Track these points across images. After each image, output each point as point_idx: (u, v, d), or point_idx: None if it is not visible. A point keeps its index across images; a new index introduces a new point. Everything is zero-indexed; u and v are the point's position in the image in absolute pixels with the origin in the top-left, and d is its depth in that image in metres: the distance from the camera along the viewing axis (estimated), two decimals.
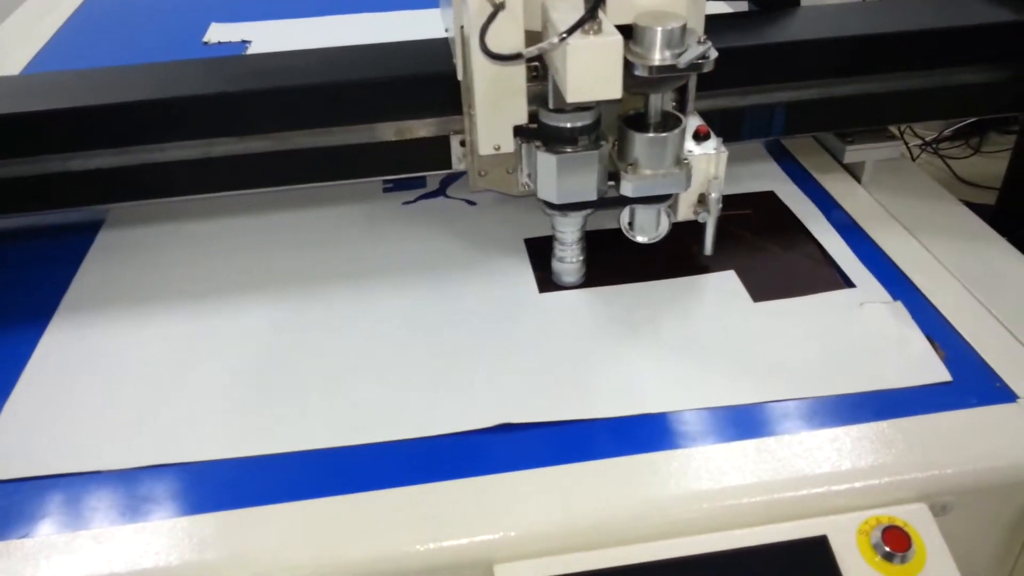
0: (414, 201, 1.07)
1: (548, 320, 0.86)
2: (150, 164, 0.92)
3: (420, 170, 0.99)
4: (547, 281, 0.91)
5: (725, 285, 0.90)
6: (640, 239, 0.88)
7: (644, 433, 0.73)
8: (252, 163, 0.93)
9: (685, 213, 0.88)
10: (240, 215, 1.05)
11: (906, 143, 2.01)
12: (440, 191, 1.09)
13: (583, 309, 0.88)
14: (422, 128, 0.93)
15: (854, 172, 1.08)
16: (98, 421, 0.77)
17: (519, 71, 0.78)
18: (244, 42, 1.41)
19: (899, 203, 1.02)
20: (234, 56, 1.19)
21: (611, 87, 0.69)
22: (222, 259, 0.98)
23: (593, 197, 0.82)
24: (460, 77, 0.85)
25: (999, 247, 0.95)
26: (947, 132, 1.97)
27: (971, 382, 0.76)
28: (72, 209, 1.01)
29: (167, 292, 0.93)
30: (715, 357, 0.81)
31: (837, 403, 0.75)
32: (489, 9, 0.72)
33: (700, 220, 0.88)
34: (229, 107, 0.90)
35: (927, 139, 1.98)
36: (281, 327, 0.87)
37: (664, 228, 0.88)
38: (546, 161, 0.80)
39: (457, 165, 0.95)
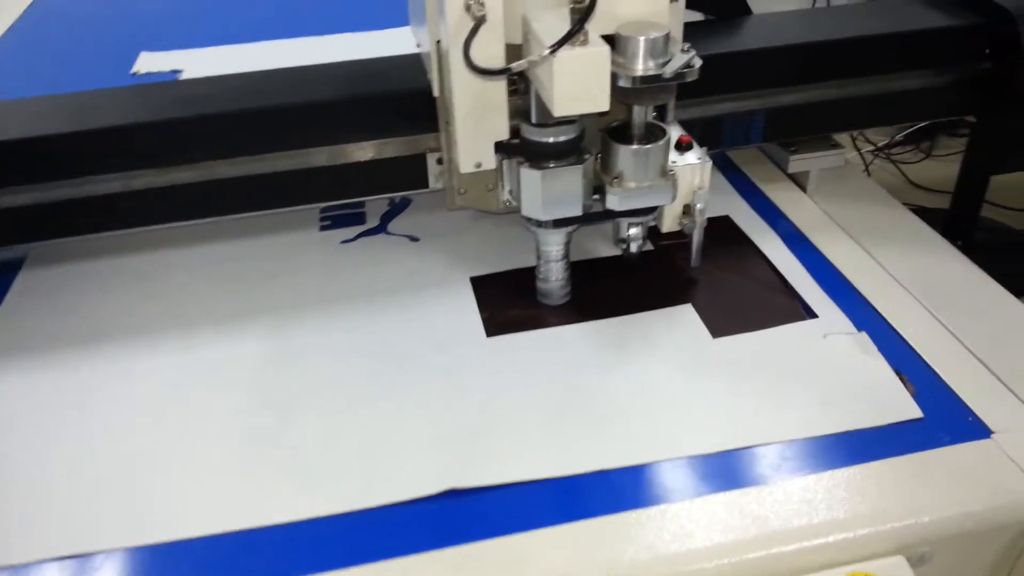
0: (353, 239, 1.06)
1: (495, 368, 0.84)
2: (69, 200, 0.92)
3: (393, 191, 1.01)
4: (493, 323, 0.90)
5: (683, 321, 0.89)
6: (634, 247, 0.91)
7: (596, 493, 0.71)
8: (184, 193, 0.94)
9: (670, 225, 0.91)
10: (165, 249, 1.05)
11: (858, 149, 2.11)
12: (381, 227, 1.08)
13: (531, 355, 0.86)
14: (394, 147, 0.95)
15: (799, 181, 1.12)
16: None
17: (500, 86, 0.80)
18: (175, 71, 1.41)
19: (848, 214, 1.05)
20: (158, 83, 1.19)
21: (599, 99, 0.72)
22: (146, 299, 0.97)
23: (579, 212, 0.84)
24: (436, 93, 0.87)
25: (953, 258, 0.98)
26: (898, 137, 2.07)
27: (942, 417, 0.76)
28: None
29: (90, 337, 0.92)
30: (673, 403, 0.79)
31: (805, 448, 0.74)
32: (469, 22, 0.74)
33: (686, 231, 0.91)
34: (157, 137, 0.92)
35: (879, 145, 2.08)
36: (199, 385, 0.85)
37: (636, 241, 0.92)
38: (530, 177, 0.82)
39: (434, 184, 0.96)
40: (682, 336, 0.88)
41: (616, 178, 0.83)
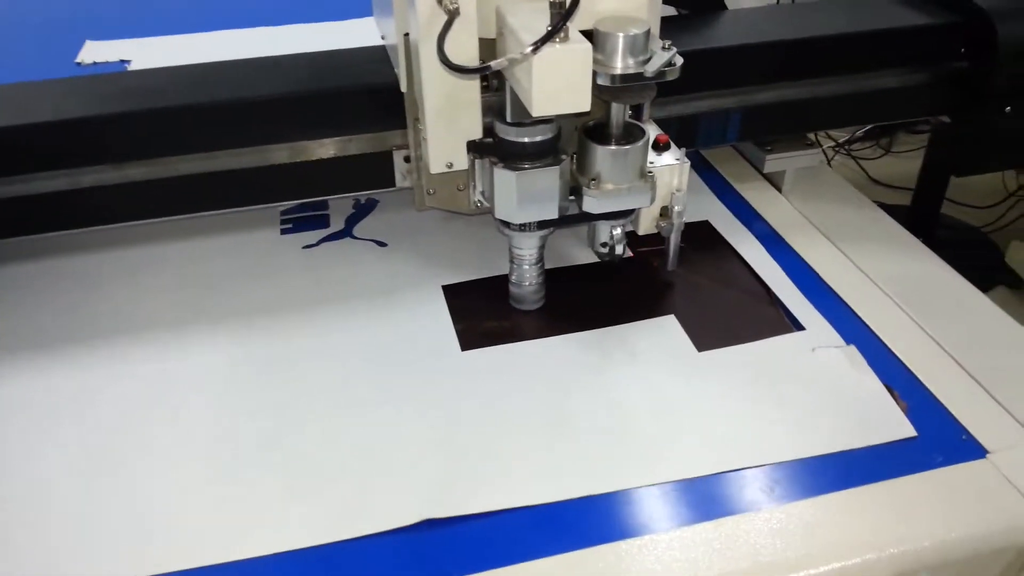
0: (316, 244, 1.01)
1: (471, 386, 0.80)
2: (12, 199, 0.87)
3: (358, 190, 0.97)
4: (468, 336, 0.86)
5: (666, 333, 0.86)
6: (602, 252, 0.88)
7: (579, 522, 0.67)
8: (135, 192, 0.89)
9: (647, 227, 0.88)
10: (110, 250, 1.00)
11: (819, 145, 2.11)
12: (346, 231, 1.03)
13: (509, 371, 0.82)
14: (358, 144, 0.91)
15: (774, 181, 1.11)
16: None
17: (473, 83, 0.76)
18: (123, 61, 1.35)
19: (824, 215, 1.04)
20: (107, 74, 1.14)
21: (580, 100, 0.69)
22: (95, 301, 0.92)
23: (555, 215, 0.81)
24: (404, 89, 0.83)
25: (934, 264, 0.96)
26: (859, 133, 2.08)
27: (936, 436, 0.74)
28: None
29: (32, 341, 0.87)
30: (658, 425, 0.75)
31: (797, 470, 0.71)
32: (440, 15, 0.70)
33: (663, 234, 0.88)
34: (106, 131, 0.87)
35: (839, 141, 2.08)
36: (153, 395, 0.80)
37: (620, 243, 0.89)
38: (504, 178, 0.79)
39: (401, 183, 0.93)
40: (666, 350, 0.84)
41: (593, 179, 0.80)
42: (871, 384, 0.79)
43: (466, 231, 1.01)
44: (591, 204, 0.81)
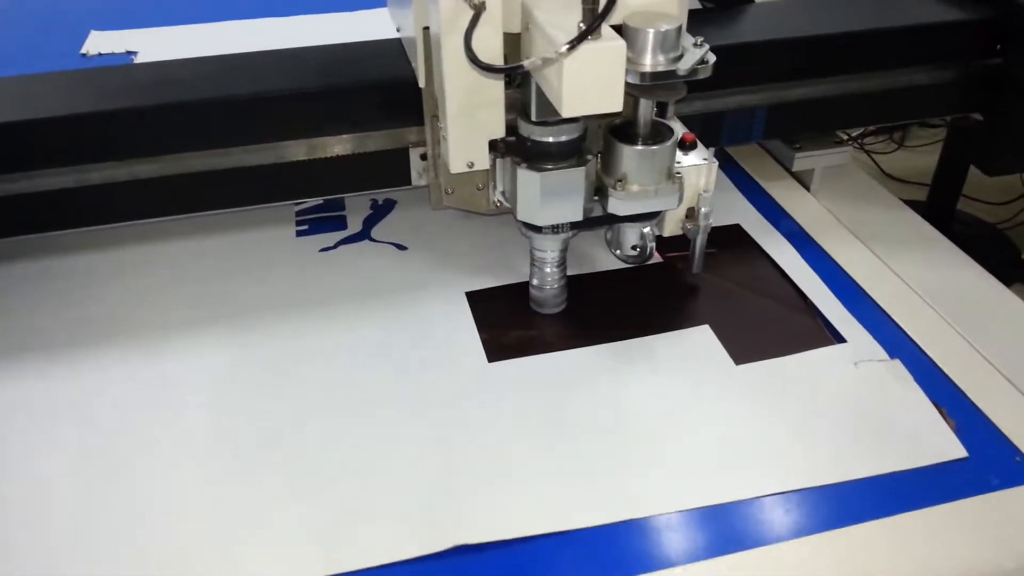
0: (334, 247, 0.97)
1: (500, 400, 0.76)
2: (18, 196, 0.84)
3: (373, 188, 0.94)
4: (495, 347, 0.82)
5: (702, 345, 0.82)
6: (631, 255, 0.85)
7: (621, 548, 0.64)
8: (145, 189, 0.86)
9: (673, 229, 0.86)
10: (114, 248, 0.97)
11: (848, 143, 2.08)
12: (364, 234, 0.99)
13: (539, 384, 0.78)
14: (374, 141, 0.88)
15: (802, 179, 1.08)
16: None
17: (498, 81, 0.73)
18: (130, 53, 1.31)
19: (854, 215, 1.01)
20: (114, 67, 1.10)
21: (612, 99, 0.65)
22: (93, 302, 0.89)
23: (579, 217, 0.78)
24: (422, 84, 0.80)
25: (972, 269, 0.93)
26: (871, 127, 2.05)
27: (988, 456, 0.70)
28: None
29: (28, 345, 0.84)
30: (699, 445, 0.72)
31: (844, 493, 0.67)
32: (464, 9, 0.67)
33: (689, 236, 0.86)
34: (115, 127, 0.84)
35: (852, 135, 2.05)
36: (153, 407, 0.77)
37: (650, 250, 0.86)
38: (528, 179, 0.76)
39: (417, 181, 0.90)
40: (703, 363, 0.80)
41: (620, 180, 0.77)
42: (918, 401, 0.75)
43: (486, 231, 0.98)
44: (617, 206, 0.78)
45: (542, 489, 0.68)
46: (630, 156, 0.77)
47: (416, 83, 0.81)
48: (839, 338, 0.82)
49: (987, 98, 1.01)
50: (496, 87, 0.73)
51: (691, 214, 0.84)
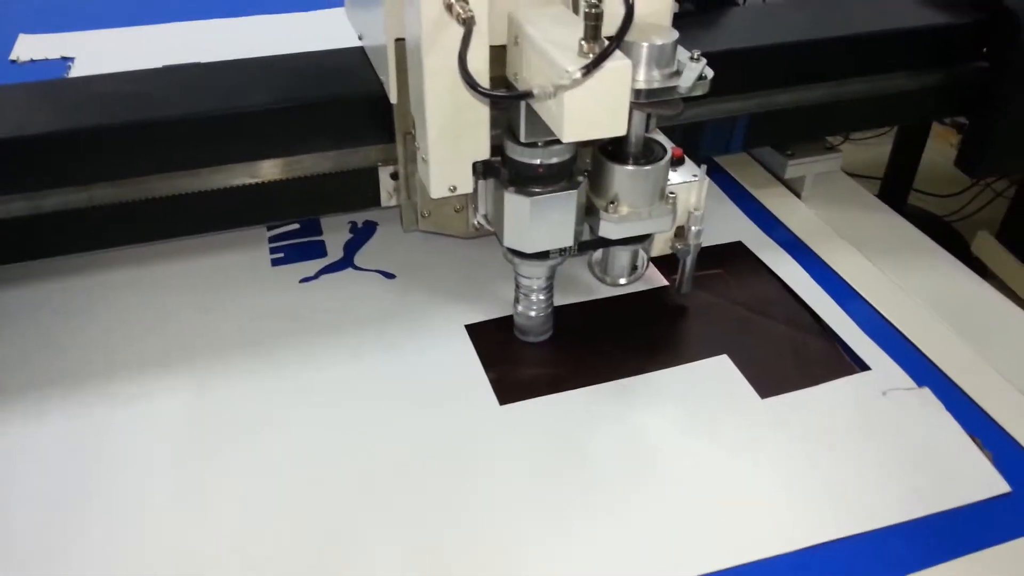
0: (315, 277, 0.88)
1: (514, 448, 0.70)
2: None
3: (341, 210, 0.88)
4: (505, 388, 0.75)
5: (723, 377, 0.76)
6: (622, 282, 0.81)
7: None
8: (103, 215, 0.78)
9: (661, 248, 0.81)
10: (72, 277, 0.87)
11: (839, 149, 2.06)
12: (346, 261, 0.90)
13: (555, 428, 0.71)
14: (341, 160, 0.82)
15: (793, 187, 1.05)
16: None
17: (484, 100, 0.67)
18: (65, 59, 1.21)
19: (850, 226, 0.97)
20: (65, 79, 1.01)
21: (616, 123, 0.60)
22: (49, 336, 0.81)
23: (570, 243, 0.73)
24: (394, 100, 0.74)
25: (979, 285, 0.90)
26: None
27: None
28: None
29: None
30: (729, 494, 0.66)
31: (886, 538, 0.62)
32: (448, 22, 0.61)
33: (679, 256, 0.81)
34: (70, 148, 0.75)
35: None
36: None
37: (643, 266, 0.81)
38: (516, 204, 0.70)
39: (387, 202, 0.83)
40: (727, 398, 0.74)
41: (611, 203, 0.72)
42: (951, 432, 0.70)
43: (478, 255, 0.90)
44: (608, 229, 0.73)
45: (568, 543, 0.63)
46: (622, 176, 0.72)
47: (386, 97, 0.75)
48: (862, 365, 0.78)
49: (972, 101, 0.98)
50: (482, 108, 0.68)
51: (680, 233, 0.80)
